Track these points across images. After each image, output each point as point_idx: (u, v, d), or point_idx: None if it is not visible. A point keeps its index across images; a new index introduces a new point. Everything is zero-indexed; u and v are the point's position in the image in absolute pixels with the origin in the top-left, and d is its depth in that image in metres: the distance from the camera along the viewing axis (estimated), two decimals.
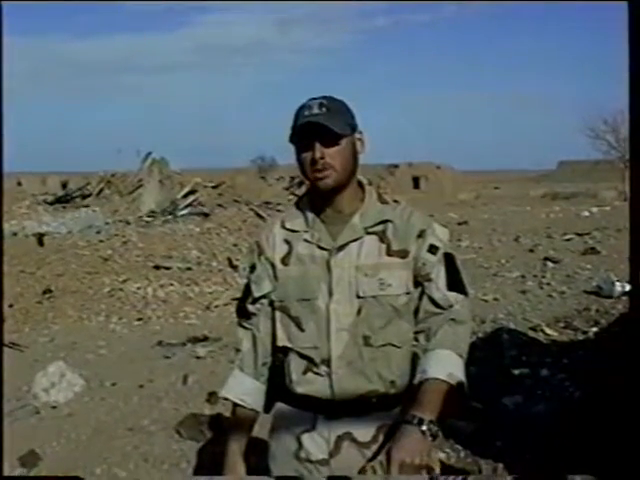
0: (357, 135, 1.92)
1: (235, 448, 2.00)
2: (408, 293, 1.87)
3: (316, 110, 1.84)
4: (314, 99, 1.88)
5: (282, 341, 1.93)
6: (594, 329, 6.39)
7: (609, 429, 3.79)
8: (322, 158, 1.84)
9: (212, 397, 5.23)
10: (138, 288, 10.91)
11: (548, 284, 9.20)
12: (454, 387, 1.78)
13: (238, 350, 2.03)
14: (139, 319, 9.63)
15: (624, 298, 7.25)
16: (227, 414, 4.43)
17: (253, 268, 2.00)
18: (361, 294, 1.85)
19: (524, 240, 14.40)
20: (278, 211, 16.87)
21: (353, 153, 1.90)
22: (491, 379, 4.90)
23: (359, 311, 1.86)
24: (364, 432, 1.86)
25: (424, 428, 1.69)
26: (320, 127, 1.82)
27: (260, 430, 2.14)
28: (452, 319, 1.85)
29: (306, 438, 1.90)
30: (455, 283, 1.89)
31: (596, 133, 46.94)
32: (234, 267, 12.36)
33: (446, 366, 1.79)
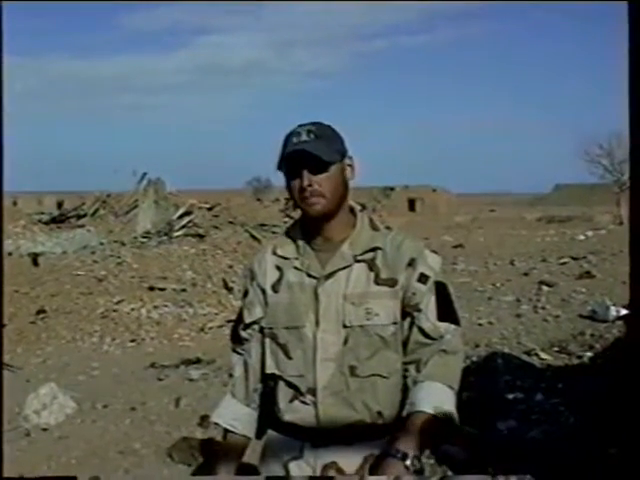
0: (347, 161, 1.90)
1: (224, 474, 1.99)
2: (396, 323, 1.84)
3: (304, 137, 1.82)
4: (302, 125, 1.86)
5: (270, 368, 1.92)
6: (589, 354, 6.38)
7: (604, 453, 3.77)
8: (310, 186, 1.82)
9: (204, 421, 5.20)
10: (132, 309, 10.86)
11: (543, 308, 9.20)
12: (442, 420, 1.74)
13: (231, 375, 2.03)
14: (132, 340, 9.59)
15: (619, 322, 7.25)
16: (219, 438, 4.42)
17: (246, 293, 2.01)
18: (347, 323, 1.83)
19: (519, 264, 14.41)
20: (273, 233, 16.86)
21: (342, 180, 1.88)
22: (485, 404, 4.88)
23: (346, 341, 1.83)
24: (350, 461, 1.83)
25: (408, 463, 1.65)
26: (308, 155, 1.80)
27: (251, 455, 2.13)
28: (443, 350, 1.81)
29: (293, 466, 1.88)
30: (447, 312, 1.85)
31: (591, 157, 47.08)
32: (229, 289, 12.32)
33: (435, 399, 1.75)
